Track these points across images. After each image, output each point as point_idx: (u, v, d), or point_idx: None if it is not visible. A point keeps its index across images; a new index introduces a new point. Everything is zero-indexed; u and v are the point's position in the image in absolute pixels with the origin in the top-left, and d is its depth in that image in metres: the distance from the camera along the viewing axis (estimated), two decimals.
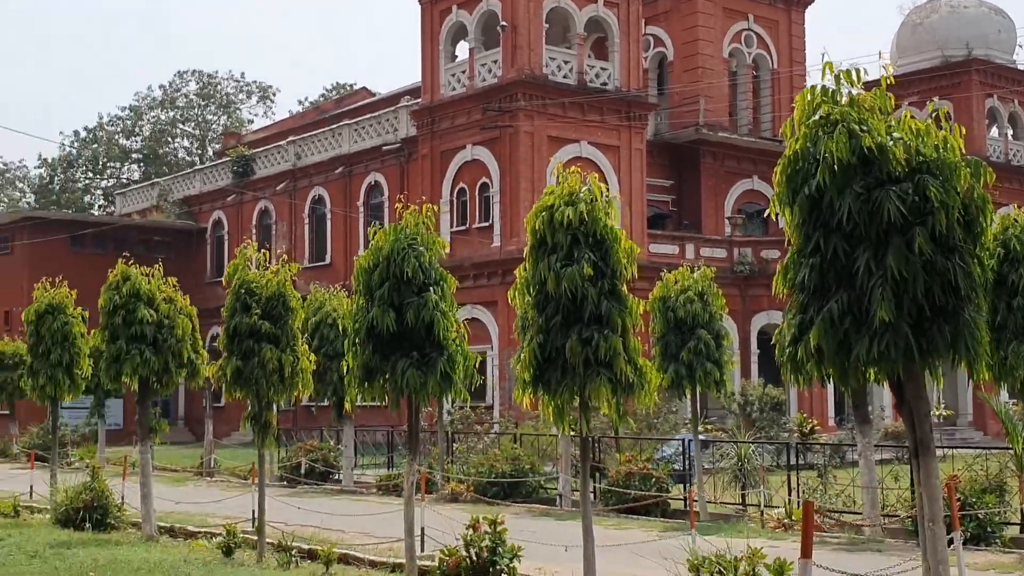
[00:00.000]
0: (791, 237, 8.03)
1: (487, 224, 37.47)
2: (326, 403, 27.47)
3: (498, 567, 11.79)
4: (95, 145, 77.86)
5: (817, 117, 7.88)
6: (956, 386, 40.49)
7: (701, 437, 21.66)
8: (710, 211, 43.80)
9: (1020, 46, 49.70)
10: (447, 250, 13.02)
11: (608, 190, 11.15)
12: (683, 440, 23.78)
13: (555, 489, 22.53)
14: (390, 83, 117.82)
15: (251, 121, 78.91)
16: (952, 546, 10.72)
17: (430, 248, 12.29)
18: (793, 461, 20.79)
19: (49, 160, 78.61)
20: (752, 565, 10.78)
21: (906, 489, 17.86)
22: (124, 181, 75.88)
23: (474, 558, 11.83)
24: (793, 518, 17.88)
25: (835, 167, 7.59)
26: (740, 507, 20.63)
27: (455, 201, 38.59)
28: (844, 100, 7.89)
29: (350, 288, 13.99)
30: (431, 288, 12.14)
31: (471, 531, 12.08)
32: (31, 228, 51.34)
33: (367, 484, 26.24)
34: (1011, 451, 18.47)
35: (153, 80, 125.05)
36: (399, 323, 11.99)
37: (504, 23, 36.69)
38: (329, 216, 47.04)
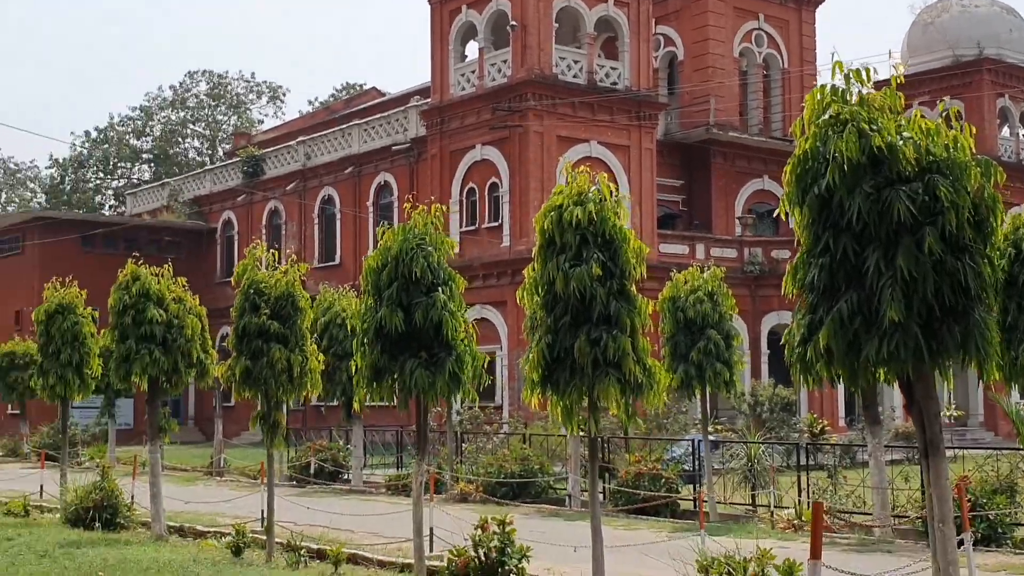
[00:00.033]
0: (800, 237, 8.00)
1: (496, 224, 37.46)
2: (335, 403, 27.50)
3: (507, 567, 11.78)
4: (106, 145, 78.06)
5: (827, 116, 7.85)
6: (967, 386, 40.35)
7: (711, 437, 21.62)
8: (720, 211, 43.74)
9: None
10: (456, 250, 13.00)
11: (617, 190, 11.13)
12: (693, 440, 23.74)
13: (564, 489, 22.50)
14: (400, 83, 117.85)
15: (261, 121, 79.13)
16: (962, 547, 10.69)
17: (439, 248, 12.28)
18: (803, 462, 20.72)
19: (60, 160, 78.92)
20: (761, 566, 10.77)
21: (916, 490, 17.80)
22: (135, 181, 76.09)
23: (483, 558, 11.82)
24: (803, 519, 17.82)
25: (845, 167, 7.55)
26: (750, 508, 20.58)
27: (464, 201, 38.59)
28: (854, 99, 7.86)
29: (359, 288, 13.98)
30: (440, 288, 12.13)
31: (480, 531, 12.07)
32: (42, 228, 51.48)
33: (376, 484, 26.25)
34: (1022, 452, 18.40)
35: (163, 80, 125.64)
36: (407, 323, 11.98)
37: (514, 23, 36.67)
38: (339, 216, 47.09)
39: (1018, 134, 49.15)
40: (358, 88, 73.92)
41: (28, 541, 15.72)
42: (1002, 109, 47.62)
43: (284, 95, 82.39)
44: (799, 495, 19.53)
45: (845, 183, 7.59)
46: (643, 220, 36.98)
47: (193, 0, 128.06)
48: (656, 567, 13.14)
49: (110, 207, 77.36)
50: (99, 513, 17.78)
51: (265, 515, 15.55)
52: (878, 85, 7.97)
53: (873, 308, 7.52)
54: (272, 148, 53.24)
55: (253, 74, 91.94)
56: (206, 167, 64.27)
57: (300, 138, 50.68)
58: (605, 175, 11.07)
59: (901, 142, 7.58)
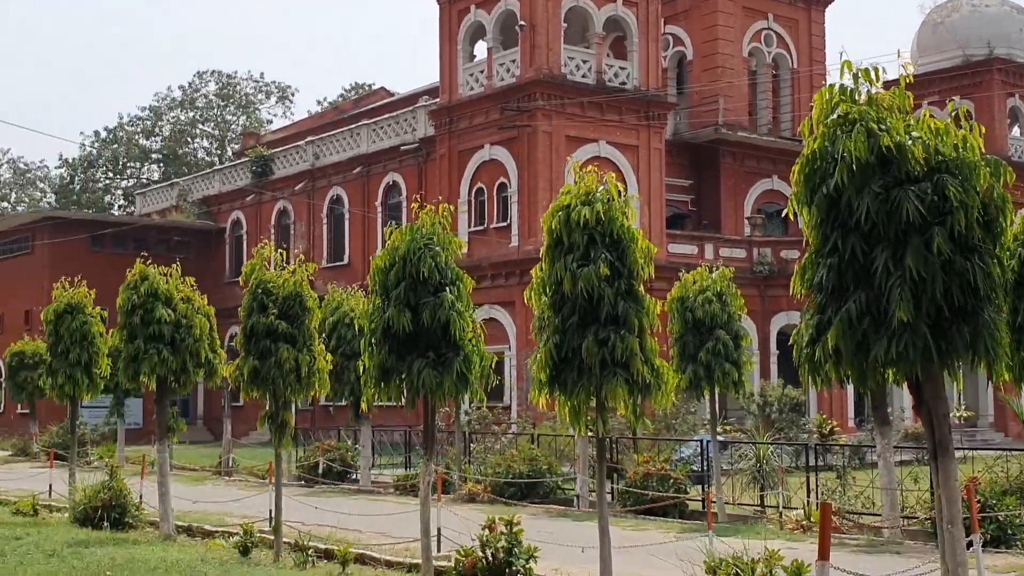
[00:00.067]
0: (809, 237, 7.98)
1: (505, 224, 37.45)
2: (344, 403, 27.50)
3: (514, 568, 11.77)
4: (115, 145, 78.23)
5: (835, 116, 7.83)
6: (977, 387, 40.24)
7: (720, 438, 21.58)
8: (729, 211, 43.67)
9: None
10: (464, 250, 12.98)
11: (626, 190, 11.11)
12: (701, 441, 23.70)
13: (573, 490, 22.48)
14: (408, 83, 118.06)
15: (270, 121, 79.27)
16: (971, 549, 10.65)
17: (446, 248, 12.27)
18: (812, 462, 20.68)
19: (70, 160, 79.08)
20: (769, 567, 10.73)
21: (926, 491, 17.75)
22: (144, 181, 76.26)
23: (490, 559, 11.80)
24: (812, 519, 17.78)
25: (853, 166, 7.53)
26: (758, 508, 20.53)
27: (473, 201, 38.58)
28: (863, 99, 7.84)
29: (367, 288, 13.99)
30: (447, 288, 12.12)
31: (487, 532, 12.06)
32: (52, 228, 51.61)
33: (384, 484, 26.24)
34: None
35: (163, 81, 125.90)
36: (415, 323, 11.97)
37: (522, 23, 36.66)
38: (347, 216, 47.12)
39: None
40: (367, 88, 73.99)
41: (37, 540, 15.74)
42: (1012, 109, 47.47)
43: (293, 95, 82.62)
44: (808, 496, 19.48)
45: (854, 183, 7.57)
46: (652, 220, 36.93)
47: (193, 0, 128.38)
48: (664, 568, 13.11)
49: (119, 207, 77.54)
50: (107, 512, 17.80)
51: (273, 515, 15.55)
52: (887, 85, 7.94)
53: (882, 308, 7.50)
54: (281, 148, 53.31)
55: (262, 74, 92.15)
56: (215, 167, 64.37)
57: (309, 138, 50.73)
58: (613, 175, 11.04)
59: (910, 142, 7.55)
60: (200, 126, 79.91)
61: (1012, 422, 40.56)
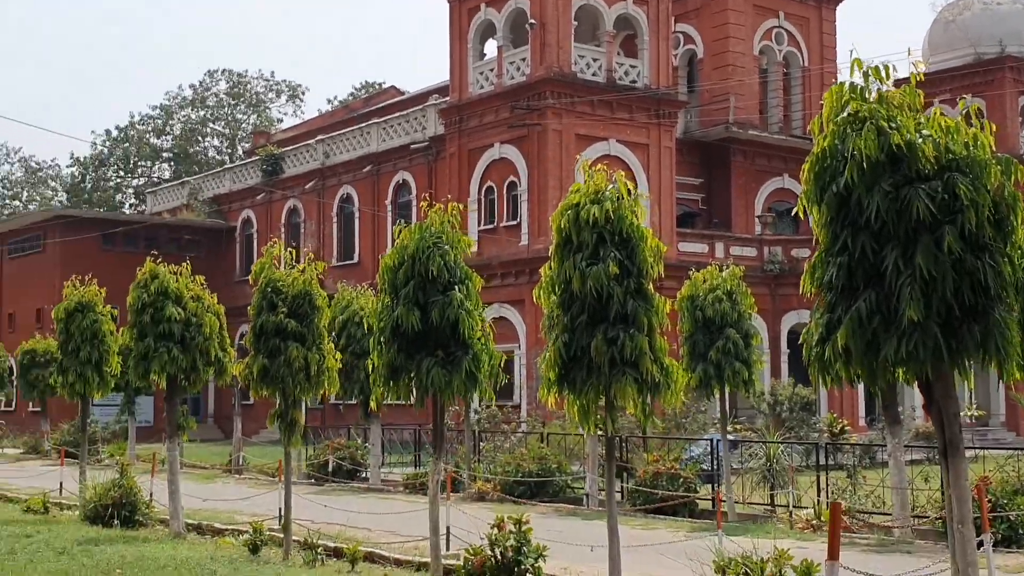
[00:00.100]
0: (819, 235, 7.95)
1: (515, 223, 37.43)
2: (354, 401, 27.50)
3: (523, 567, 11.75)
4: (126, 144, 78.43)
5: (845, 114, 7.79)
6: (988, 386, 40.09)
7: (730, 437, 21.54)
8: (740, 209, 43.60)
9: None
10: (473, 249, 12.99)
11: (636, 188, 11.08)
12: (712, 440, 23.65)
13: (582, 489, 22.46)
14: (418, 82, 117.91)
15: (280, 120, 79.40)
16: (982, 548, 10.60)
17: (455, 247, 12.26)
18: (823, 461, 20.63)
19: (81, 159, 79.29)
20: (779, 566, 10.70)
21: (936, 490, 17.68)
22: (155, 180, 76.44)
23: (499, 557, 11.79)
24: (822, 519, 17.74)
25: (863, 165, 7.50)
26: (769, 508, 20.49)
27: (483, 200, 38.57)
28: (873, 97, 7.80)
29: (377, 287, 13.99)
30: (456, 287, 12.11)
31: (496, 530, 12.05)
32: (63, 227, 51.75)
33: (394, 482, 26.26)
34: None
35: (164, 81, 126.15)
36: (424, 322, 11.97)
37: (532, 21, 36.63)
38: (357, 215, 47.15)
39: None
40: (377, 87, 74.03)
41: (47, 538, 15.78)
42: None
43: (303, 94, 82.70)
44: (818, 495, 19.44)
45: (864, 181, 7.53)
46: (662, 218, 36.88)
47: (194, 0, 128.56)
48: (673, 567, 13.09)
49: (130, 206, 77.73)
50: (118, 510, 17.85)
51: (282, 513, 15.56)
52: (898, 83, 7.90)
53: (892, 307, 7.47)
54: (291, 147, 53.39)
55: (273, 73, 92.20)
56: (226, 166, 64.49)
57: (319, 137, 50.79)
58: (622, 173, 11.01)
59: (920, 140, 7.52)
60: (211, 125, 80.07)
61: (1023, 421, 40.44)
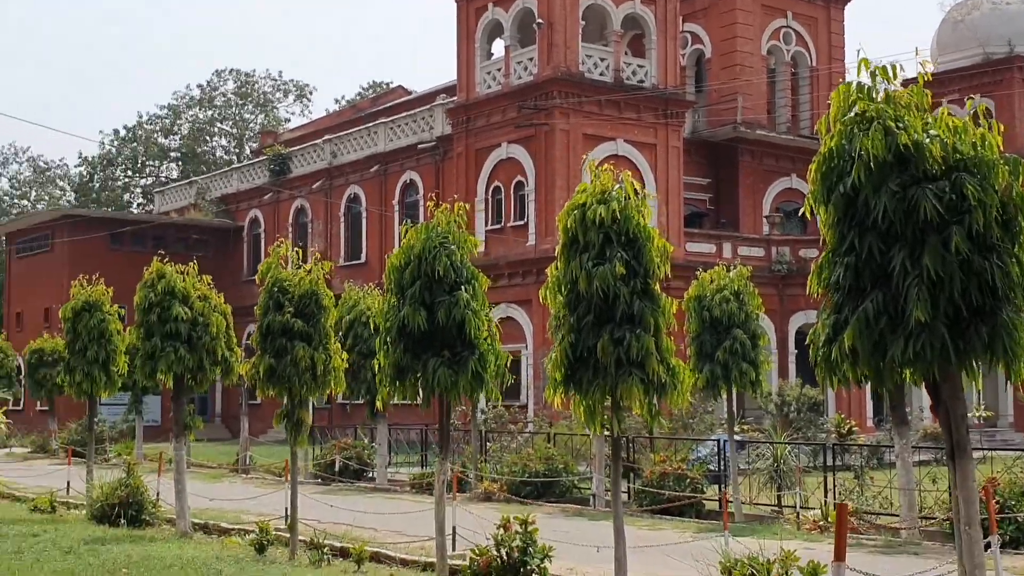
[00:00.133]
0: (826, 236, 7.92)
1: (522, 223, 37.42)
2: (361, 401, 27.51)
3: (529, 567, 11.73)
4: (134, 144, 78.55)
5: (853, 114, 7.76)
6: (997, 387, 40.01)
7: (737, 438, 21.50)
8: (748, 210, 43.55)
9: None
10: (479, 248, 12.96)
11: (643, 188, 11.06)
12: (719, 440, 23.61)
13: (589, 489, 22.44)
14: (426, 81, 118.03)
15: (288, 120, 79.44)
16: (989, 550, 10.56)
17: (462, 246, 12.24)
18: (830, 462, 20.58)
19: (89, 159, 79.39)
20: (785, 568, 10.68)
21: (944, 491, 17.63)
22: (163, 179, 76.54)
23: (505, 558, 11.77)
24: (829, 520, 17.68)
25: (871, 165, 7.46)
26: (776, 508, 20.45)
27: (490, 199, 38.56)
28: (880, 97, 7.77)
29: (384, 286, 13.98)
30: (462, 287, 12.09)
31: (502, 531, 12.03)
32: (71, 226, 51.85)
33: (401, 482, 26.26)
34: None
35: (165, 81, 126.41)
36: (430, 322, 11.95)
37: (540, 20, 36.62)
38: (364, 215, 47.18)
39: None
40: (384, 86, 74.08)
41: (54, 537, 15.80)
42: None
43: (311, 94, 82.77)
44: (825, 496, 19.39)
45: (871, 181, 7.50)
46: (670, 219, 36.86)
47: (194, 0, 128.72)
48: (679, 568, 13.07)
49: (138, 205, 77.86)
50: (124, 510, 17.86)
51: (289, 513, 15.56)
52: (906, 83, 7.87)
53: (899, 308, 7.43)
54: (299, 147, 53.43)
55: (280, 73, 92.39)
56: (233, 165, 64.57)
57: (326, 136, 50.82)
58: (629, 173, 10.99)
59: (928, 140, 7.48)
60: (218, 124, 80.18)
61: None
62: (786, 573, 10.64)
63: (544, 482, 22.45)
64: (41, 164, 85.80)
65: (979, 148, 7.50)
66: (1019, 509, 15.97)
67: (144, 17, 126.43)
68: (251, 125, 79.46)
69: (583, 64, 37.09)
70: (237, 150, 78.59)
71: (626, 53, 39.02)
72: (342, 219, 48.44)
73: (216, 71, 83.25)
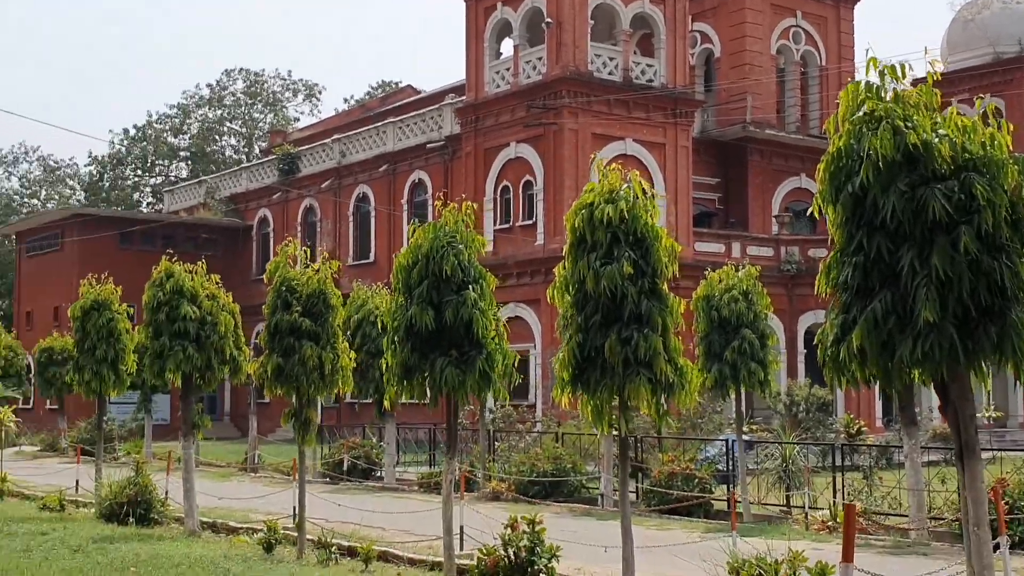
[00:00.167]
0: (834, 236, 7.90)
1: (531, 222, 37.40)
2: (369, 400, 27.52)
3: (536, 567, 11.72)
4: (144, 143, 78.68)
5: (861, 113, 7.75)
6: (1006, 387, 39.87)
7: (745, 438, 21.46)
8: (757, 209, 43.47)
9: None
10: (487, 248, 12.95)
11: (652, 187, 11.04)
12: (727, 440, 23.58)
13: (597, 489, 22.42)
14: (435, 81, 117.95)
15: (297, 119, 79.54)
16: (998, 551, 10.53)
17: (469, 246, 12.23)
18: (839, 462, 20.54)
19: (99, 158, 79.58)
20: (793, 568, 10.65)
21: (953, 492, 17.58)
22: (172, 179, 76.68)
23: (512, 557, 11.76)
24: (838, 520, 17.65)
25: (879, 164, 7.45)
26: (784, 509, 20.41)
27: (499, 199, 38.55)
28: (889, 96, 7.75)
29: (392, 286, 13.98)
30: (470, 286, 12.08)
31: (510, 530, 12.02)
32: (80, 225, 51.97)
33: (409, 481, 26.27)
34: None
35: (165, 81, 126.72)
36: (438, 321, 11.94)
37: (549, 20, 36.60)
38: (373, 214, 47.21)
39: None
40: (393, 86, 74.12)
41: (62, 536, 15.84)
42: None
43: (320, 93, 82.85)
44: (834, 496, 19.35)
45: (879, 181, 7.48)
46: (679, 218, 36.82)
47: (193, 0, 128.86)
48: (687, 568, 13.05)
49: (148, 204, 77.97)
50: (133, 508, 17.89)
51: (297, 512, 15.58)
52: (916, 82, 7.84)
53: (907, 308, 7.42)
54: (308, 146, 53.47)
55: (290, 72, 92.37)
56: (242, 165, 64.65)
57: (335, 136, 50.86)
58: (637, 172, 10.97)
59: (937, 139, 7.46)
60: (228, 124, 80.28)
61: None
62: (794, 574, 10.60)
63: (552, 482, 22.43)
64: (51, 163, 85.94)
65: (988, 148, 7.48)
66: None
67: (144, 17, 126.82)
68: (260, 124, 79.57)
69: (592, 63, 37.07)
70: (246, 149, 78.70)
71: (635, 52, 38.98)
72: (351, 218, 48.47)
73: (226, 70, 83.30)
